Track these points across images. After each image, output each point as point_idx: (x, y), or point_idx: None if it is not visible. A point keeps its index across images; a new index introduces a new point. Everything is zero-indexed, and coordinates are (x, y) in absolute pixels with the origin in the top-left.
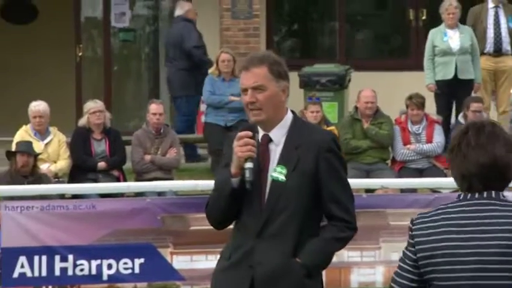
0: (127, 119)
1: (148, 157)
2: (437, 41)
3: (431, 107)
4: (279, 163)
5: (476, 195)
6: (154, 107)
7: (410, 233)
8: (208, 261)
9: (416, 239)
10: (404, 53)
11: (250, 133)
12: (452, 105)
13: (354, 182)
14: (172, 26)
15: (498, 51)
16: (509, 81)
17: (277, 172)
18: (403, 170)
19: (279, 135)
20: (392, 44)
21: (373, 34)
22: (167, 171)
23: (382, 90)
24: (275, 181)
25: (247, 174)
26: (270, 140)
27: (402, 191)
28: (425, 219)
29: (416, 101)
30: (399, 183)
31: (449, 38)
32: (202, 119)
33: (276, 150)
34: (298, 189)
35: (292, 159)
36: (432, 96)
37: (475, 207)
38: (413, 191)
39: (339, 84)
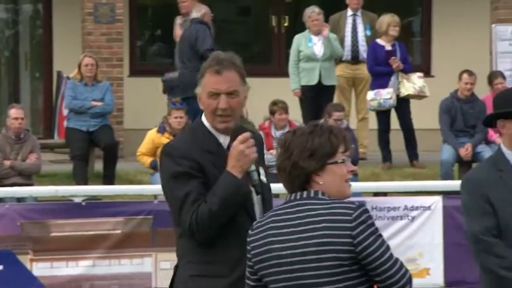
0: None
1: (7, 162)
2: (302, 47)
3: (292, 114)
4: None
5: (298, 195)
6: (14, 112)
7: (247, 239)
8: (69, 268)
9: (251, 245)
10: (267, 59)
11: (250, 134)
12: (316, 110)
13: None
14: (188, 28)
15: (356, 59)
16: (367, 89)
17: (262, 174)
18: (266, 175)
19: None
20: (255, 51)
21: (236, 40)
22: (27, 177)
23: None
24: (263, 183)
25: (256, 176)
26: None
27: None
28: (259, 224)
29: (282, 106)
30: None
31: (314, 44)
32: (65, 123)
33: None
34: (270, 188)
35: (260, 160)
36: (294, 102)
37: (296, 208)
38: (276, 196)
39: None
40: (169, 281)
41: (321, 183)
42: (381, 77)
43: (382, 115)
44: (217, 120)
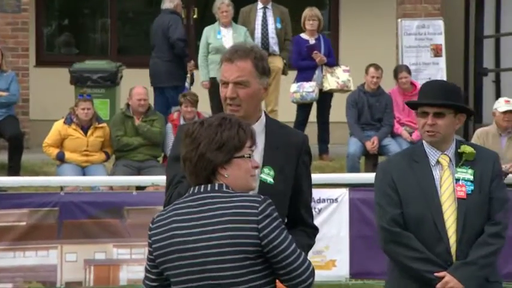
0: None
1: None
2: (211, 39)
3: (203, 106)
4: (265, 164)
5: (202, 188)
6: None
7: (148, 232)
8: None
9: (153, 238)
10: None
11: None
12: None
13: (125, 180)
14: (160, 18)
15: (266, 51)
16: (277, 81)
17: (265, 173)
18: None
19: (257, 134)
20: None
21: (145, 31)
22: None
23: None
24: (263, 182)
25: None
26: None
27: None
28: (160, 218)
29: (190, 98)
30: None
31: (223, 36)
32: None
33: (256, 150)
34: (284, 193)
35: (276, 160)
36: (204, 94)
37: (200, 201)
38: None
39: (111, 81)
40: None
41: (226, 176)
42: (305, 71)
43: (303, 108)
44: (227, 109)
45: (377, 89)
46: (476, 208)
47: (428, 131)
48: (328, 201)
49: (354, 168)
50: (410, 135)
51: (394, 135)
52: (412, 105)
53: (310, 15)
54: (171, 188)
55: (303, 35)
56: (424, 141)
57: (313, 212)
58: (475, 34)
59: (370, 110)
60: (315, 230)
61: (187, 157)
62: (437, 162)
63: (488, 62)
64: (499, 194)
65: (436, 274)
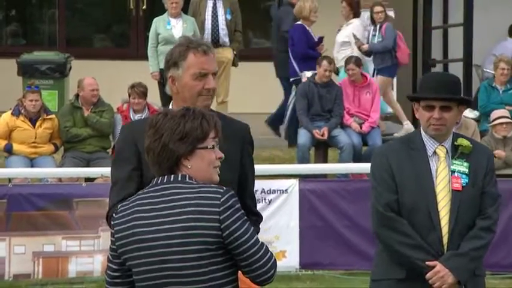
0: None
1: None
2: (161, 29)
3: (152, 96)
4: None
5: (165, 179)
6: None
7: (112, 222)
8: None
9: (115, 228)
10: (125, 42)
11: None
12: None
13: (74, 171)
14: (279, 9)
15: (216, 43)
16: (227, 73)
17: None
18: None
19: None
20: (114, 33)
21: (94, 22)
22: None
23: (102, 78)
24: None
25: None
26: None
27: None
28: (123, 208)
29: (137, 90)
30: None
31: (173, 26)
32: None
33: None
34: (230, 182)
35: (221, 150)
36: (153, 85)
37: (162, 192)
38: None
39: (59, 72)
40: None
41: (189, 167)
42: (311, 61)
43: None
44: (201, 99)
45: (328, 80)
46: (469, 201)
47: (434, 125)
48: (278, 192)
49: (304, 159)
50: (360, 126)
51: (344, 126)
52: (412, 98)
53: (315, 7)
54: (115, 194)
55: (306, 26)
56: (421, 131)
57: (264, 203)
58: (423, 25)
59: (321, 101)
60: (260, 217)
61: (151, 147)
62: (434, 152)
63: (436, 52)
64: (492, 189)
65: (427, 263)
